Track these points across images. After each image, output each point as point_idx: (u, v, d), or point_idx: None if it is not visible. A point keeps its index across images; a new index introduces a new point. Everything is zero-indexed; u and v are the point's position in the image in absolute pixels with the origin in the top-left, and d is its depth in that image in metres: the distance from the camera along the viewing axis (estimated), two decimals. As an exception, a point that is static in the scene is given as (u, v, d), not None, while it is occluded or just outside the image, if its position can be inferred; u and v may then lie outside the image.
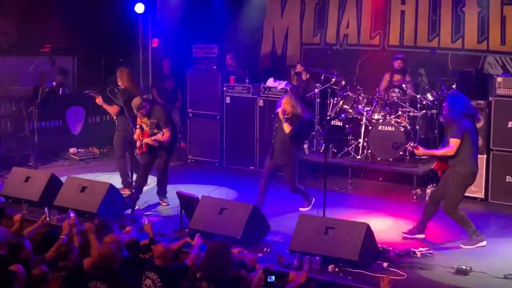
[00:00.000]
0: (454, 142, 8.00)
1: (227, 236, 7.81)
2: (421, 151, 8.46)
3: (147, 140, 9.59)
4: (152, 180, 10.27)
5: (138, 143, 9.73)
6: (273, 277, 5.84)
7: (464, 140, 7.99)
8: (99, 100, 10.62)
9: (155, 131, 9.54)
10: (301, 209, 9.60)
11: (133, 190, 9.57)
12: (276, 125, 9.51)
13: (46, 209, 8.55)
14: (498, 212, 9.74)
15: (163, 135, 9.44)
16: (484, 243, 8.17)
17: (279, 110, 9.31)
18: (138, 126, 9.72)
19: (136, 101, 9.53)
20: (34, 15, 14.06)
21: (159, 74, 14.17)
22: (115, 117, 10.62)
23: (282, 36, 14.01)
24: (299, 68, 12.84)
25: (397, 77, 11.61)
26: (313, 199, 9.58)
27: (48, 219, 8.17)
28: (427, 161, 10.83)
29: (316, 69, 12.48)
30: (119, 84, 10.38)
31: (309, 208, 9.59)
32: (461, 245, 8.20)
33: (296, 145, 9.46)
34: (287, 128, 9.17)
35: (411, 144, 8.57)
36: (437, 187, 8.70)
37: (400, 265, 7.40)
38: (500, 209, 9.87)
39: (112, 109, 10.42)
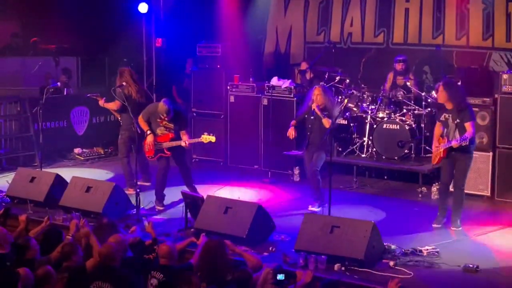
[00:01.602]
0: (473, 125, 8.48)
1: (233, 235, 7.79)
2: (455, 144, 8.43)
3: (168, 144, 9.60)
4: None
5: (146, 148, 9.70)
6: (283, 275, 5.81)
7: None
8: (101, 102, 10.66)
9: (170, 135, 9.60)
10: (310, 207, 9.54)
11: (156, 197, 9.67)
12: (312, 117, 9.59)
13: (48, 212, 8.49)
14: (504, 209, 9.68)
15: (185, 142, 9.55)
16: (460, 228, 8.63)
17: (314, 105, 9.45)
18: (148, 132, 9.65)
19: (162, 107, 9.53)
20: (39, 16, 14.09)
21: (180, 73, 14.14)
22: (119, 117, 10.62)
23: (285, 35, 14.00)
24: (304, 65, 12.82)
25: (399, 78, 11.57)
26: (325, 204, 9.20)
27: (50, 221, 8.13)
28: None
29: (320, 67, 12.45)
30: (119, 83, 10.35)
31: (318, 209, 9.48)
32: (433, 225, 8.73)
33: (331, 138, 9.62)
34: (327, 123, 9.34)
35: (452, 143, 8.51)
36: (444, 175, 8.83)
37: (406, 264, 7.37)
38: (506, 206, 9.81)
39: (113, 105, 10.44)
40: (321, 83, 11.14)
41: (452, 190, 8.84)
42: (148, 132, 9.69)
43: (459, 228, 8.66)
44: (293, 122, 9.87)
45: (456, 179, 8.70)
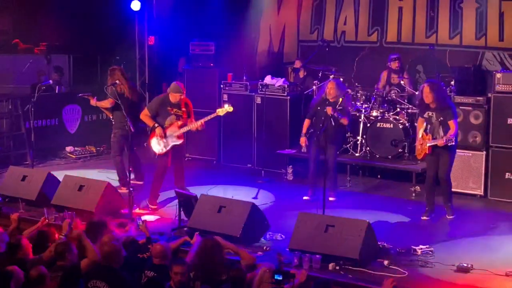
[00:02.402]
0: (456, 123, 8.87)
1: (227, 234, 7.76)
2: (441, 142, 8.77)
3: (182, 130, 9.49)
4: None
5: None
6: (281, 275, 5.79)
7: None
8: (93, 102, 10.61)
9: (178, 122, 9.51)
10: (330, 198, 9.79)
11: (150, 195, 9.60)
12: (319, 108, 9.82)
13: (45, 210, 8.45)
14: (498, 209, 9.70)
15: (201, 122, 9.49)
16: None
17: (330, 110, 9.59)
18: (156, 125, 9.48)
19: (175, 86, 9.52)
20: (30, 13, 14.01)
21: (172, 71, 14.09)
22: (111, 116, 10.55)
23: (279, 33, 13.96)
24: (297, 64, 12.79)
25: (394, 76, 11.57)
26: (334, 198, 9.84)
27: (47, 220, 8.09)
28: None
29: (313, 66, 12.44)
30: (110, 82, 10.28)
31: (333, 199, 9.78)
32: (422, 217, 9.05)
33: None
34: (345, 121, 9.72)
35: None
36: (430, 170, 9.14)
37: (400, 263, 7.36)
38: (499, 206, 9.84)
39: (106, 103, 10.38)
40: (331, 77, 11.11)
41: (439, 183, 9.13)
42: (156, 125, 9.53)
43: (453, 216, 9.07)
44: (305, 123, 10.03)
45: (441, 171, 9.01)
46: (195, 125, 9.52)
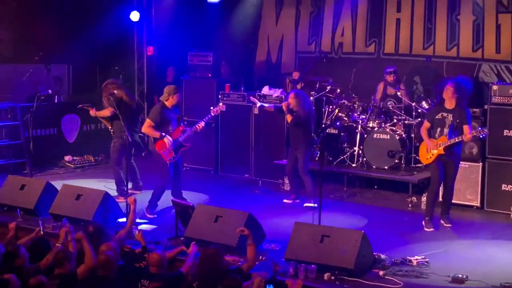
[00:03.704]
0: (470, 129, 8.87)
1: (223, 244, 7.79)
2: (468, 136, 8.90)
3: (199, 127, 9.79)
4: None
5: (165, 151, 9.61)
6: (272, 286, 5.82)
7: None
8: (93, 112, 10.65)
9: (181, 127, 9.79)
10: (306, 204, 10.05)
11: (148, 205, 9.67)
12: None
13: (40, 222, 8.47)
14: (494, 220, 9.73)
15: (200, 125, 9.79)
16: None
17: (284, 105, 10.28)
18: (164, 134, 9.55)
19: (172, 87, 9.81)
20: (29, 23, 14.06)
21: (161, 82, 14.14)
22: (110, 127, 10.58)
23: (277, 44, 14.02)
24: (296, 75, 12.82)
25: (390, 89, 11.63)
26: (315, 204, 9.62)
27: (42, 232, 8.11)
28: (423, 169, 10.84)
29: (311, 77, 12.48)
30: (106, 95, 10.33)
31: (315, 204, 9.64)
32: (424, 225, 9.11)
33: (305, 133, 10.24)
34: (289, 118, 10.24)
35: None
36: (435, 178, 9.19)
37: (396, 274, 7.38)
38: (495, 217, 9.86)
39: (105, 112, 10.44)
40: (312, 92, 11.36)
41: (443, 190, 9.37)
42: (163, 134, 9.60)
43: (451, 225, 9.23)
44: None
45: (449, 180, 9.17)
46: (197, 126, 9.75)
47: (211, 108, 10.06)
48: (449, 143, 8.89)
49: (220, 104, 10.25)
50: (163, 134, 9.58)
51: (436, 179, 9.17)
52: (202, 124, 9.80)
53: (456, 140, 8.88)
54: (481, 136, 8.99)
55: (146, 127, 9.71)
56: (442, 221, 9.29)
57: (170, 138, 9.60)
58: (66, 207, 9.15)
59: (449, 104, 9.04)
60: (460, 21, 11.92)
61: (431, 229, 9.06)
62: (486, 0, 11.60)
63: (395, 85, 11.60)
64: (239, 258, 7.50)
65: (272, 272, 7.20)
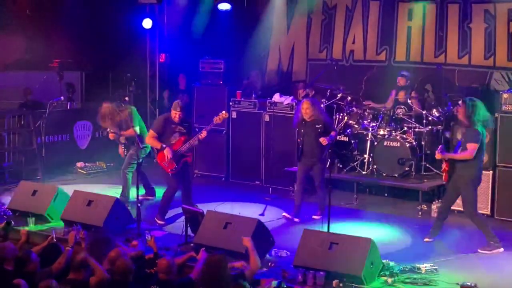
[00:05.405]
0: (473, 147, 8.44)
1: (232, 250, 7.83)
2: (438, 155, 8.69)
3: (186, 146, 9.64)
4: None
5: (166, 162, 9.63)
6: None
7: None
8: (122, 138, 10.65)
9: (182, 138, 9.68)
10: (314, 217, 9.86)
11: (158, 211, 9.70)
12: (303, 130, 9.82)
13: (53, 232, 8.48)
14: (504, 228, 9.66)
15: (201, 134, 9.63)
16: (501, 249, 8.50)
17: (323, 139, 9.53)
18: (164, 146, 9.58)
19: (176, 103, 9.71)
20: (43, 31, 14.19)
21: (174, 89, 14.21)
22: (122, 141, 10.62)
23: (288, 52, 14.06)
24: (301, 93, 12.71)
25: (401, 94, 11.64)
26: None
27: (54, 240, 8.15)
28: (433, 177, 10.84)
29: (322, 84, 12.51)
30: (107, 127, 10.55)
31: (317, 217, 9.75)
32: (479, 250, 8.51)
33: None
34: (324, 141, 9.53)
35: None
36: (447, 194, 9.03)
37: (404, 281, 7.39)
38: (505, 225, 9.81)
39: (131, 132, 10.44)
40: (322, 100, 11.25)
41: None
42: (164, 146, 9.64)
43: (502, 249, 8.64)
44: None
45: (465, 209, 8.84)
46: (199, 136, 9.66)
47: (214, 117, 9.88)
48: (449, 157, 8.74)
49: (223, 112, 9.92)
50: (164, 145, 9.62)
51: (443, 202, 9.17)
52: (204, 133, 9.65)
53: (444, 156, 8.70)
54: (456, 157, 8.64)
55: (149, 137, 9.84)
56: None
57: (170, 150, 9.61)
58: (77, 213, 9.22)
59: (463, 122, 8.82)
60: (472, 29, 11.92)
61: (429, 240, 8.95)
62: (497, 8, 11.60)
63: (405, 90, 11.60)
64: (246, 263, 7.51)
65: (281, 279, 7.23)
